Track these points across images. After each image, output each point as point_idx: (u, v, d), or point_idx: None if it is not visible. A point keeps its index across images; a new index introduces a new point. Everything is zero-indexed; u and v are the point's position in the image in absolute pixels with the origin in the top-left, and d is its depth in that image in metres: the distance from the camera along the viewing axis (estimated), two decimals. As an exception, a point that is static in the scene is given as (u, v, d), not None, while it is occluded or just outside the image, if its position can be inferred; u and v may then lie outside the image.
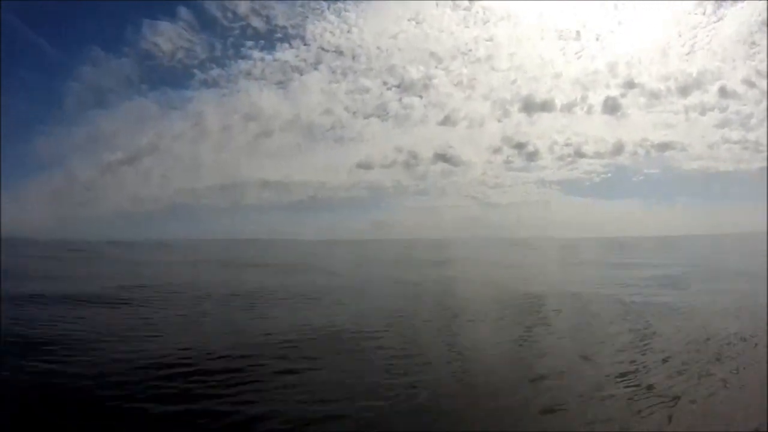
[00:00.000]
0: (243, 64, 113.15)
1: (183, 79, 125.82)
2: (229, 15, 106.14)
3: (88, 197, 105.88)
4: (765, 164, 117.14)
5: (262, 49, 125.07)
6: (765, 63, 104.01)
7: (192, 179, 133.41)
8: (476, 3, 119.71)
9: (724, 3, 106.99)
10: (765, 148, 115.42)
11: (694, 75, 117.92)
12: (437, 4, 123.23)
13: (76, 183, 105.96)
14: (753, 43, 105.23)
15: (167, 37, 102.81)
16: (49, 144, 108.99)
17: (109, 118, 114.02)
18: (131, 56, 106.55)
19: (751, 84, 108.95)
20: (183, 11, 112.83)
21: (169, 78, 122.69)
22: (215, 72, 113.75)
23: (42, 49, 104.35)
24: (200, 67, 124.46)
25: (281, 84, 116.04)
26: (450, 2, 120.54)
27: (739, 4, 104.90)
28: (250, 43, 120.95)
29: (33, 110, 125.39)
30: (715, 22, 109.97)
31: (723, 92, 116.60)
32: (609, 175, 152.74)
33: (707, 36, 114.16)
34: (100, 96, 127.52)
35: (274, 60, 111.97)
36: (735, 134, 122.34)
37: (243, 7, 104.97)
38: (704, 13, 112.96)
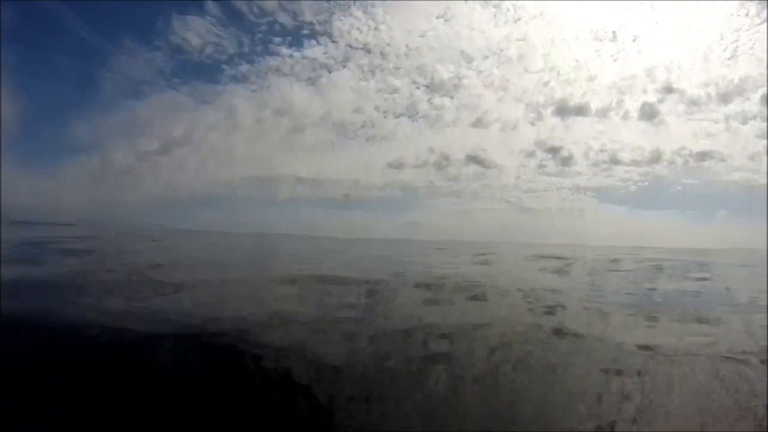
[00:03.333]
0: (272, 60, 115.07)
1: (213, 73, 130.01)
2: (256, 10, 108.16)
3: (124, 183, 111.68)
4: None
5: (290, 45, 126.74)
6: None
7: (227, 171, 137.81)
8: (506, 1, 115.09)
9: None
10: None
11: (736, 81, 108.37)
12: (466, 2, 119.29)
13: (112, 168, 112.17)
14: None
15: (196, 31, 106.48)
16: (85, 129, 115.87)
17: (143, 108, 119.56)
18: (162, 49, 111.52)
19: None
20: (211, 6, 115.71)
21: (199, 72, 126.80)
22: (244, 68, 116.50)
23: (78, 34, 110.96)
24: (229, 62, 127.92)
25: (310, 81, 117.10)
26: None
27: None
28: (277, 40, 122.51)
29: (70, 94, 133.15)
30: (758, 24, 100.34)
31: (766, 100, 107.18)
32: (645, 183, 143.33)
33: (750, 40, 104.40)
34: (134, 86, 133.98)
35: (303, 57, 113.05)
36: None
37: (269, 3, 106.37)
38: (747, 15, 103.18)
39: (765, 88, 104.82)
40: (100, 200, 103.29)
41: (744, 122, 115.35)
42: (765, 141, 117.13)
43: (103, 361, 10.74)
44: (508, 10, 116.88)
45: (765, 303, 20.33)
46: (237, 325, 13.20)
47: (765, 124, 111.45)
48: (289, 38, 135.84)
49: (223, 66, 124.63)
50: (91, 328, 12.39)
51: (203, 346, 11.71)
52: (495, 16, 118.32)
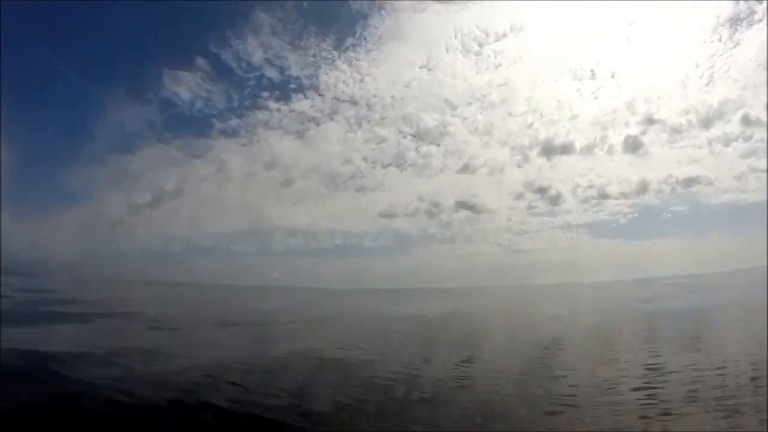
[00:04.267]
0: (260, 114, 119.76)
1: (203, 127, 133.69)
2: (244, 65, 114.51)
3: (117, 234, 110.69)
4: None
5: (277, 99, 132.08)
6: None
7: (219, 224, 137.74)
8: (487, 47, 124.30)
9: (739, 27, 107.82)
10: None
11: (715, 105, 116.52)
12: (447, 50, 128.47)
13: (105, 219, 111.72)
14: None
15: (186, 86, 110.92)
16: (78, 180, 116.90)
17: (135, 161, 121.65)
18: (154, 103, 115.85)
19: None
20: (200, 60, 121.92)
21: (190, 126, 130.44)
22: (234, 122, 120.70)
23: (71, 86, 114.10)
24: (219, 117, 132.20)
25: (299, 134, 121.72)
26: (460, 47, 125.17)
27: (756, 27, 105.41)
28: (265, 94, 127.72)
29: (62, 145, 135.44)
30: (732, 48, 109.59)
31: (746, 121, 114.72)
32: (636, 215, 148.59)
33: (725, 64, 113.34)
34: (126, 139, 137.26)
35: (291, 110, 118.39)
36: (761, 163, 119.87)
37: (257, 58, 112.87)
38: (720, 40, 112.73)
39: (744, 109, 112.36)
40: (93, 251, 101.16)
41: (727, 144, 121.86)
42: (749, 160, 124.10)
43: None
44: (488, 56, 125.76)
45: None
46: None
47: (747, 144, 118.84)
48: (277, 92, 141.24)
49: (213, 120, 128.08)
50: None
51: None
52: (476, 63, 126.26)
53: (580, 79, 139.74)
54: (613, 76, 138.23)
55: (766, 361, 13.20)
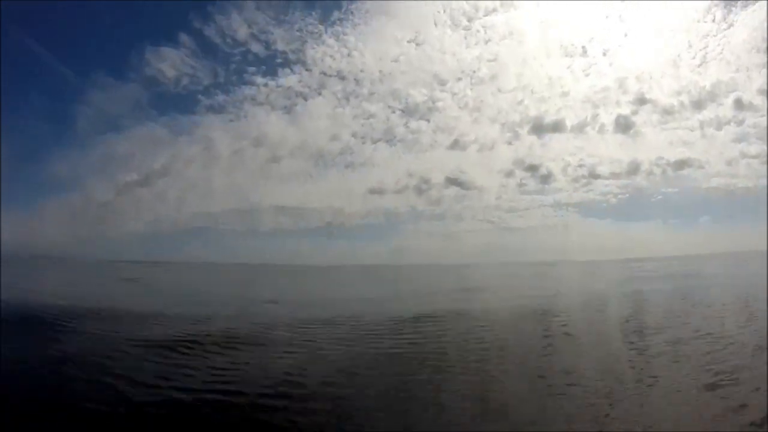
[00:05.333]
0: (247, 90, 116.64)
1: (189, 104, 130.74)
2: (229, 41, 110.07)
3: (106, 217, 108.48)
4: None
5: (264, 74, 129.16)
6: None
7: (207, 203, 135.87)
8: (476, 21, 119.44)
9: (733, 8, 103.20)
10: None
11: (708, 88, 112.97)
12: (436, 24, 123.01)
13: (93, 204, 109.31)
14: (766, 49, 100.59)
15: (171, 63, 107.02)
16: (65, 166, 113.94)
17: (122, 142, 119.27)
18: (138, 82, 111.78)
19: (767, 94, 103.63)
20: (183, 37, 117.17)
21: (176, 103, 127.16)
22: (220, 98, 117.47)
23: (53, 71, 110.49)
24: (205, 93, 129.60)
25: (286, 109, 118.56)
26: (449, 21, 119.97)
27: (750, 8, 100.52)
28: (252, 69, 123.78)
29: (48, 132, 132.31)
30: (725, 29, 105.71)
31: (739, 104, 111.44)
32: (626, 195, 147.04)
33: (719, 45, 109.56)
34: (111, 121, 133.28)
35: (278, 86, 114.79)
36: (753, 148, 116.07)
37: (242, 33, 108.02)
38: (714, 20, 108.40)
39: (737, 93, 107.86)
40: (82, 235, 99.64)
41: (719, 128, 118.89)
42: (741, 145, 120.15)
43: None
44: (478, 31, 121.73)
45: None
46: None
47: (740, 128, 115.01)
48: (264, 67, 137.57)
49: (199, 96, 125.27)
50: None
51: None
52: (465, 38, 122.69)
53: (571, 56, 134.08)
54: (604, 54, 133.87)
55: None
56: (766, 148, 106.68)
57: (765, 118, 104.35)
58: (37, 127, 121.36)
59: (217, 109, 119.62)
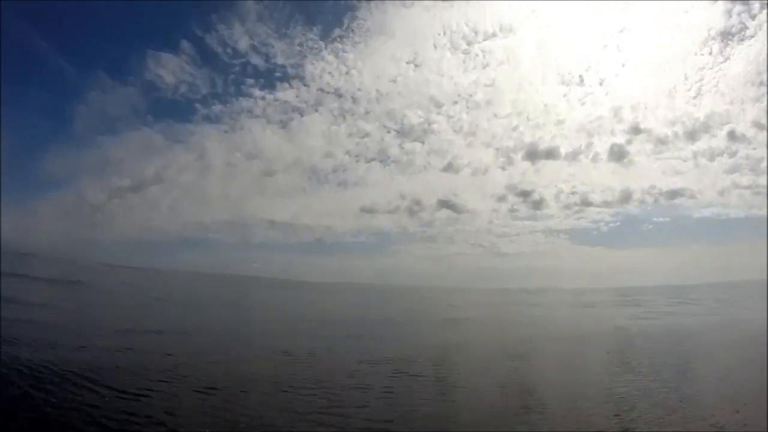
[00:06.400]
0: (244, 102, 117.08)
1: (186, 112, 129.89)
2: (229, 51, 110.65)
3: (98, 220, 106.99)
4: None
5: (262, 87, 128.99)
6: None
7: (200, 213, 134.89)
8: (475, 46, 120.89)
9: (730, 42, 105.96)
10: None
11: (702, 119, 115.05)
12: (435, 46, 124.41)
13: (86, 205, 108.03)
14: (761, 83, 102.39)
15: (170, 69, 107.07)
16: (59, 164, 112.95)
17: (117, 145, 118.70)
18: (136, 85, 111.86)
19: (760, 126, 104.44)
20: (185, 44, 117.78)
21: (172, 110, 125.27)
22: (217, 108, 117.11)
23: (53, 67, 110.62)
24: (202, 102, 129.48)
25: (282, 124, 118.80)
26: (448, 44, 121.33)
27: (746, 42, 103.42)
28: (250, 81, 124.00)
29: (44, 129, 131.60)
30: (721, 63, 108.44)
31: (732, 136, 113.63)
32: (618, 224, 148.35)
33: (714, 78, 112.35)
34: (108, 122, 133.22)
35: (275, 99, 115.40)
36: (745, 179, 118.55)
37: (242, 44, 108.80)
38: (710, 53, 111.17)
39: (731, 125, 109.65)
40: (73, 236, 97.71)
41: (711, 159, 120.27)
42: (733, 176, 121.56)
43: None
44: (476, 55, 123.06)
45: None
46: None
47: (732, 159, 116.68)
48: (262, 80, 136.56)
49: (196, 105, 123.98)
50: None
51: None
52: (464, 61, 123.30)
53: (568, 84, 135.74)
54: (601, 83, 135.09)
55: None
56: (759, 179, 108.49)
57: (757, 150, 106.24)
58: (34, 122, 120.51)
59: (214, 120, 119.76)
